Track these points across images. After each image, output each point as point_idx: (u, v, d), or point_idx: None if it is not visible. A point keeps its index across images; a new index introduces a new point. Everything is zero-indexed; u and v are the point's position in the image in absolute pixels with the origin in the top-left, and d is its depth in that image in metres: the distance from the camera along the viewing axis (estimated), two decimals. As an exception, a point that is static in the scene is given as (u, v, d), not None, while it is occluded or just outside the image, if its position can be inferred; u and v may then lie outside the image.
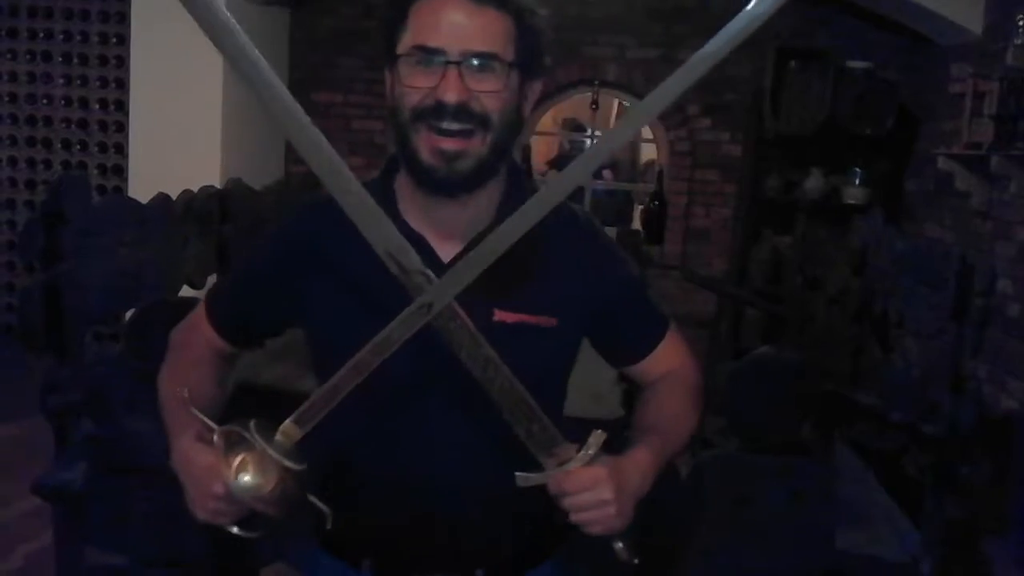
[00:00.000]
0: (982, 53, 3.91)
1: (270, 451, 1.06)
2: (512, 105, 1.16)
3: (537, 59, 1.19)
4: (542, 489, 1.12)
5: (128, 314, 2.90)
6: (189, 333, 1.36)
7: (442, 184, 1.15)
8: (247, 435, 1.08)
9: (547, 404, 1.14)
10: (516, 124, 1.18)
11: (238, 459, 1.07)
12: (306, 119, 1.09)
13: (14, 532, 3.17)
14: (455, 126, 1.11)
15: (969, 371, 2.31)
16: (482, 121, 1.12)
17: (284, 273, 1.25)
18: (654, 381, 1.34)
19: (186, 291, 3.48)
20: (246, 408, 1.98)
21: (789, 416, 2.28)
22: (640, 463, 1.17)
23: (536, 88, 1.22)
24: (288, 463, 1.07)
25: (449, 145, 1.12)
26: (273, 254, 1.30)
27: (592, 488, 1.09)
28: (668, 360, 1.35)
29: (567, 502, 1.10)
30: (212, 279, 3.77)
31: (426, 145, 1.13)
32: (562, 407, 1.33)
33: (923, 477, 2.33)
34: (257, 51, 1.09)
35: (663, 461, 1.22)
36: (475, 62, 1.11)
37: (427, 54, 1.11)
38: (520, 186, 1.24)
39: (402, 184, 1.23)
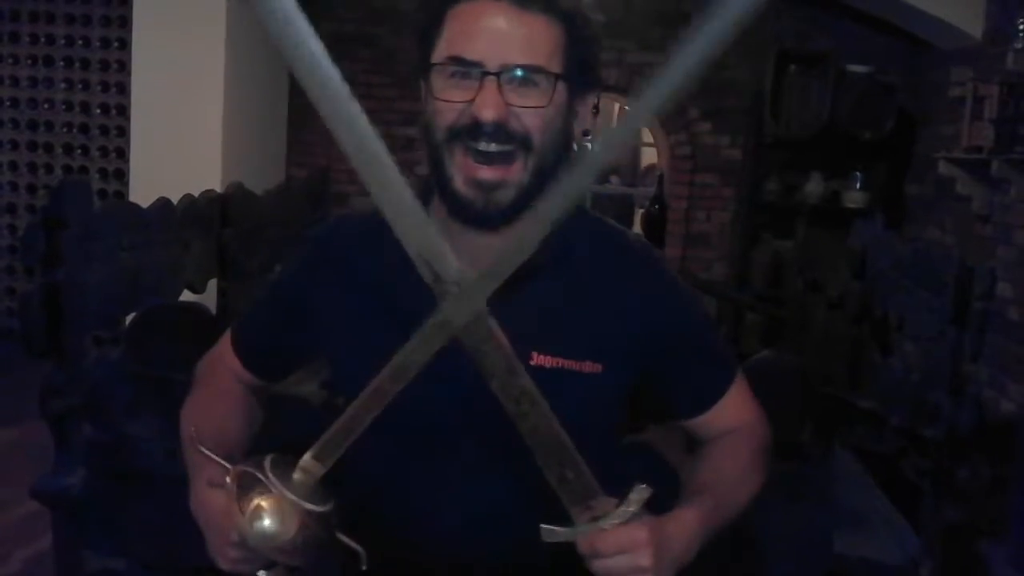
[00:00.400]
0: (982, 57, 3.91)
1: (288, 494, 0.94)
2: (557, 124, 1.04)
3: (589, 71, 1.08)
4: (568, 550, 0.98)
5: (128, 318, 2.91)
6: (214, 364, 1.27)
7: (479, 217, 1.03)
8: (261, 476, 0.94)
9: (592, 460, 0.98)
10: (563, 145, 1.05)
11: (253, 504, 0.94)
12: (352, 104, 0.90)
13: (12, 536, 3.17)
14: (493, 147, 0.99)
15: (969, 375, 2.30)
16: (523, 142, 1.01)
17: (303, 292, 1.17)
18: (716, 437, 1.18)
19: (187, 295, 3.48)
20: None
21: (788, 420, 2.28)
22: (687, 527, 1.02)
23: (588, 103, 1.11)
24: (309, 506, 0.94)
25: (487, 175, 1.00)
26: (294, 275, 1.21)
27: (629, 551, 0.94)
28: (733, 416, 1.19)
29: (598, 565, 0.95)
30: (213, 283, 3.77)
31: (462, 173, 1.01)
32: (613, 465, 1.11)
33: (922, 481, 2.32)
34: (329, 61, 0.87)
35: (714, 528, 1.07)
36: (517, 75, 0.99)
37: (463, 66, 0.99)
38: (579, 224, 1.10)
39: (436, 208, 1.09)
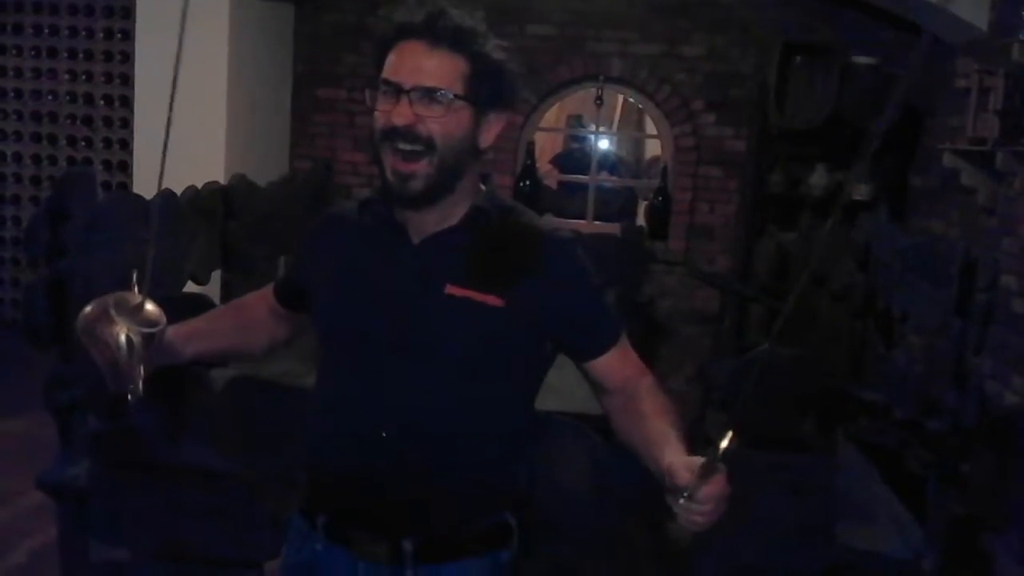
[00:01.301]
0: (988, 48, 3.89)
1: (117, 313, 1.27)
2: (460, 132, 1.36)
3: (493, 95, 1.39)
4: (480, 472, 1.39)
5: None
6: (256, 292, 1.70)
7: (399, 199, 1.38)
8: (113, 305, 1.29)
9: (500, 385, 1.40)
10: (467, 150, 1.38)
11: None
12: None
13: (19, 527, 3.19)
14: (407, 146, 1.33)
15: (972, 367, 2.30)
16: (428, 143, 1.33)
17: (304, 257, 1.59)
18: (617, 387, 1.47)
19: (190, 287, 3.49)
20: (248, 402, 2.02)
21: (791, 412, 2.28)
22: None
23: (497, 120, 1.41)
24: (138, 328, 1.28)
25: (402, 167, 1.34)
26: (299, 246, 1.62)
27: (725, 493, 1.24)
28: (623, 365, 1.48)
29: (698, 515, 1.22)
30: (216, 275, 3.78)
31: (389, 165, 1.36)
32: (526, 397, 1.48)
33: (926, 473, 2.32)
34: None
35: None
36: (423, 93, 1.32)
37: (389, 86, 1.34)
38: (492, 202, 1.44)
39: None
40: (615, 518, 2.01)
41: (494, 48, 1.39)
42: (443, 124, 1.34)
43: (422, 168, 1.35)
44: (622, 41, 5.21)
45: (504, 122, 1.43)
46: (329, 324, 1.48)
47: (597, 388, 1.51)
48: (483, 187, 1.47)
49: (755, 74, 5.03)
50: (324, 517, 1.43)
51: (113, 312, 1.28)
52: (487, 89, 1.38)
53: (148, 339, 1.29)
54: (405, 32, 1.35)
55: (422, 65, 1.34)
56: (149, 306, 1.33)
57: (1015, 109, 3.34)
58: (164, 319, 1.33)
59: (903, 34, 4.80)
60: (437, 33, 1.34)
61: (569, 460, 2.00)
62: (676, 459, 1.26)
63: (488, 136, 1.41)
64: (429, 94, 1.33)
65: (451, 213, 1.41)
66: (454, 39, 1.35)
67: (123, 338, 1.27)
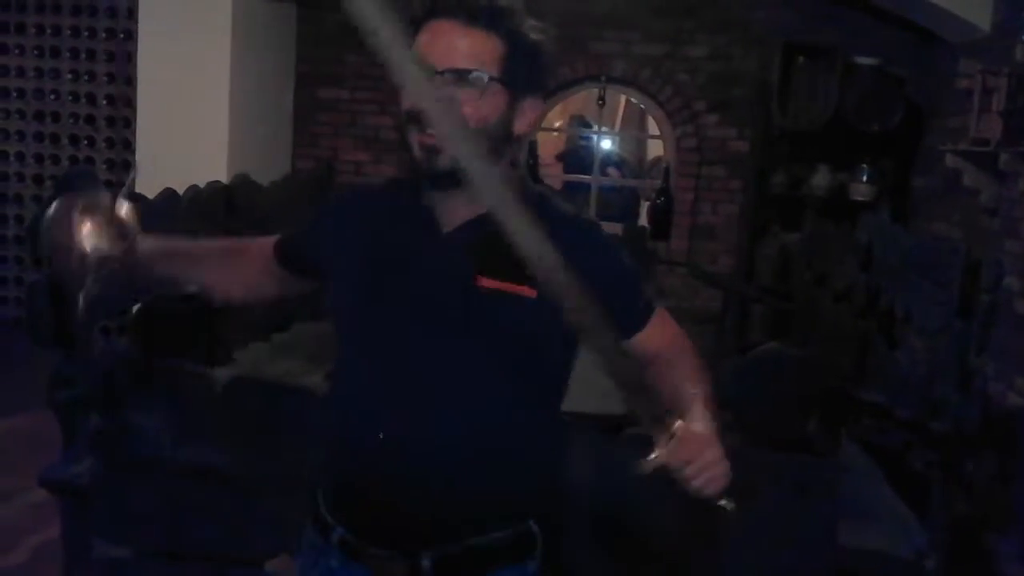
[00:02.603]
0: (991, 49, 3.89)
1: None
2: (493, 116, 1.29)
3: (529, 79, 1.32)
4: (505, 479, 1.29)
5: (135, 309, 2.92)
6: (258, 241, 1.59)
7: (428, 174, 1.29)
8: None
9: (528, 383, 1.32)
10: (502, 135, 1.31)
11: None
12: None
13: (22, 525, 3.18)
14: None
15: (975, 368, 2.30)
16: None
17: (322, 227, 1.48)
18: (656, 356, 1.39)
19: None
20: (249, 401, 2.01)
21: (794, 412, 2.28)
22: (708, 413, 1.25)
23: (532, 104, 1.34)
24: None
25: (429, 140, 1.25)
26: (320, 214, 1.52)
27: (706, 447, 1.19)
28: (659, 337, 1.41)
29: (689, 471, 1.18)
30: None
31: (415, 141, 1.27)
32: (554, 397, 1.41)
33: (929, 473, 2.32)
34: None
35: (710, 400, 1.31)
36: (456, 75, 1.25)
37: None
38: (523, 188, 1.35)
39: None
40: (617, 517, 2.01)
41: (531, 28, 1.32)
42: (477, 108, 1.26)
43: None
44: (624, 41, 5.21)
45: (541, 108, 1.36)
46: (348, 312, 1.39)
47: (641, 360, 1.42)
48: (516, 171, 1.39)
49: (757, 74, 5.03)
50: (340, 531, 1.34)
51: (77, 215, 1.25)
52: (523, 72, 1.30)
53: (113, 246, 1.27)
54: (438, 10, 1.27)
55: (455, 45, 1.26)
56: (123, 211, 1.30)
57: (1018, 110, 3.34)
58: (135, 229, 1.31)
59: (905, 34, 4.80)
60: (472, 11, 1.26)
61: (572, 460, 2.00)
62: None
63: (524, 122, 1.34)
64: (463, 76, 1.25)
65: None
66: (490, 18, 1.27)
67: (84, 243, 1.25)
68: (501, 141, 1.31)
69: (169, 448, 2.16)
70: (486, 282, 1.29)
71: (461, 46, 1.26)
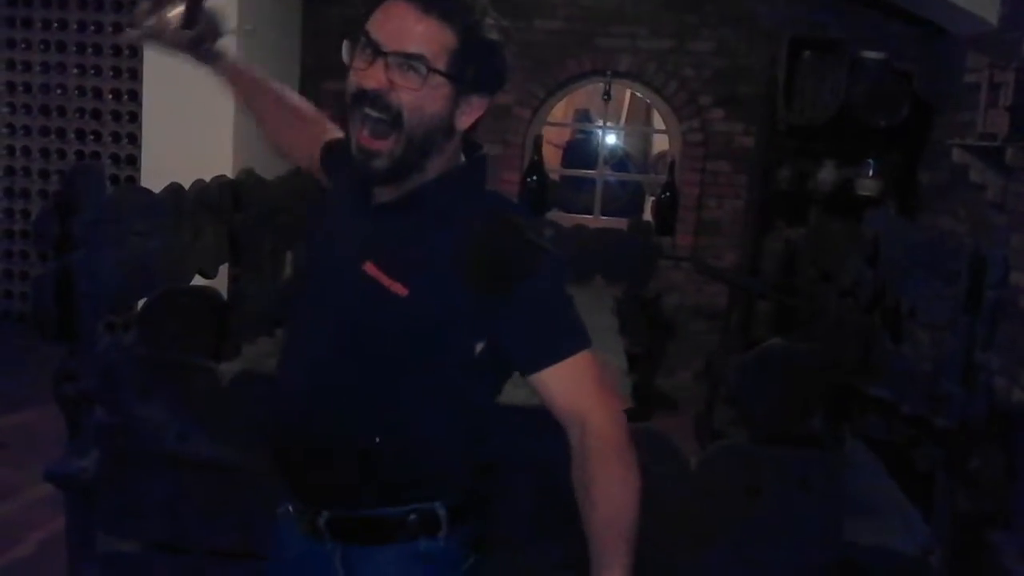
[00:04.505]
0: (998, 43, 3.88)
1: None
2: (432, 109, 1.26)
3: (480, 76, 1.29)
4: (396, 459, 1.31)
5: (141, 303, 2.92)
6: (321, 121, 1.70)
7: (363, 175, 1.32)
8: None
9: (415, 374, 1.30)
10: (439, 128, 1.28)
11: None
12: None
13: (27, 519, 3.20)
14: (374, 113, 1.25)
15: (981, 363, 2.29)
16: (396, 116, 1.25)
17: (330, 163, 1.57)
18: (565, 418, 1.29)
19: (198, 280, 3.49)
20: (255, 395, 2.02)
21: (799, 407, 2.27)
22: None
23: (478, 102, 1.31)
24: None
25: (367, 144, 1.27)
26: (336, 148, 1.57)
27: None
28: (575, 388, 1.28)
29: None
30: (224, 269, 3.78)
31: (355, 138, 1.29)
32: (456, 390, 1.34)
33: (934, 469, 2.31)
34: None
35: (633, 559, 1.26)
36: (402, 59, 1.24)
37: (368, 42, 1.26)
38: (459, 187, 1.34)
39: None
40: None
41: (489, 26, 1.29)
42: (416, 97, 1.25)
43: (387, 146, 1.26)
44: (630, 36, 5.20)
45: (487, 107, 1.32)
46: (298, 278, 1.50)
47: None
48: (462, 159, 1.37)
49: (763, 69, 5.02)
50: (282, 488, 1.44)
51: None
52: (473, 68, 1.28)
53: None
54: None
55: (407, 29, 1.24)
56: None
57: (1025, 104, 3.32)
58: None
59: (912, 28, 4.78)
60: None
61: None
62: None
63: (467, 119, 1.31)
64: (407, 61, 1.24)
65: (420, 183, 1.34)
66: (446, 8, 1.25)
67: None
68: (437, 134, 1.29)
69: (175, 442, 2.16)
70: (369, 268, 1.30)
71: (413, 31, 1.24)
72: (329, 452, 1.35)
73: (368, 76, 1.26)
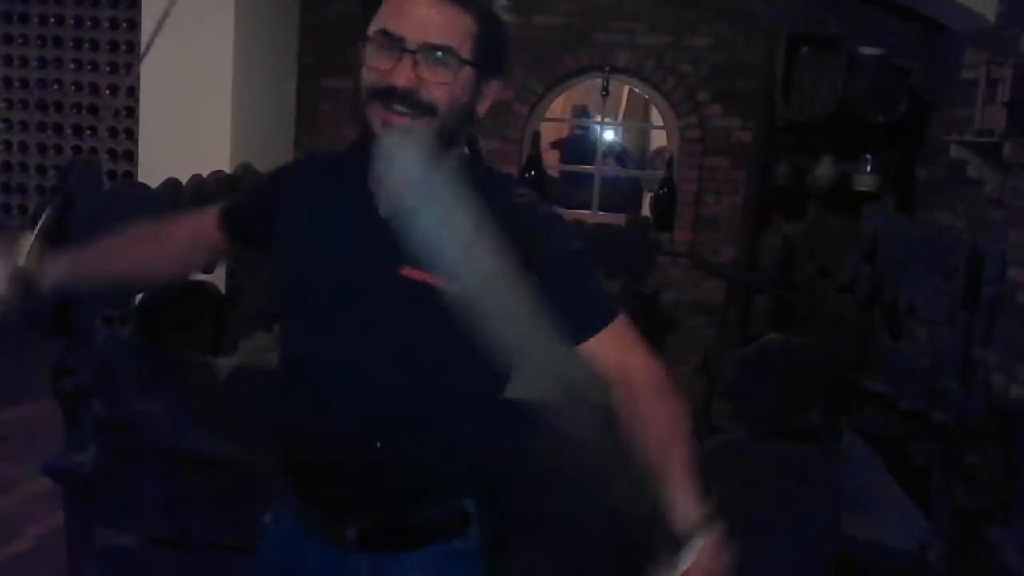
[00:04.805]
0: (996, 39, 3.87)
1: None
2: (461, 99, 1.24)
3: (496, 61, 1.27)
4: (429, 456, 1.28)
5: (138, 298, 2.92)
6: (190, 214, 1.56)
7: (391, 153, 1.20)
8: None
9: (451, 369, 1.27)
10: (465, 118, 1.26)
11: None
12: None
13: (25, 513, 3.20)
14: (403, 109, 1.20)
15: (978, 359, 2.30)
16: (428, 109, 1.21)
17: (274, 196, 1.41)
18: (615, 377, 1.31)
19: (195, 275, 3.49)
20: (252, 390, 2.01)
21: (797, 403, 2.28)
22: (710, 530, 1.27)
23: (494, 88, 1.29)
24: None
25: (397, 121, 1.20)
26: (271, 178, 1.48)
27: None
28: (618, 352, 1.32)
29: None
30: (221, 263, 3.77)
31: (379, 119, 1.21)
32: (488, 383, 1.34)
33: (931, 465, 2.32)
34: None
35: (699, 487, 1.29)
36: (430, 53, 1.19)
37: (389, 39, 1.20)
38: (474, 175, 1.27)
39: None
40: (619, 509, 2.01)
41: (500, 6, 1.27)
42: (448, 90, 1.21)
43: (418, 126, 1.21)
44: (628, 32, 5.20)
45: (501, 90, 1.30)
46: (287, 288, 1.37)
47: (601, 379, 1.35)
48: (466, 151, 1.34)
49: (761, 65, 5.01)
50: (292, 503, 1.37)
51: None
52: (491, 53, 1.25)
53: None
54: None
55: (429, 20, 1.19)
56: (23, 253, 1.41)
57: (1023, 100, 3.32)
58: (30, 271, 1.41)
59: (910, 25, 4.78)
60: None
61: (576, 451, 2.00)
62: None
63: (486, 104, 1.29)
64: (436, 54, 1.19)
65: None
66: None
67: None
68: (464, 123, 1.27)
69: (173, 437, 2.16)
70: (409, 272, 1.24)
71: (435, 22, 1.19)
72: (386, 465, 1.30)
73: (397, 74, 1.19)
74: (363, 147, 1.25)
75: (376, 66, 1.21)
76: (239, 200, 1.53)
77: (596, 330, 1.30)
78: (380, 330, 1.28)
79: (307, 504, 1.36)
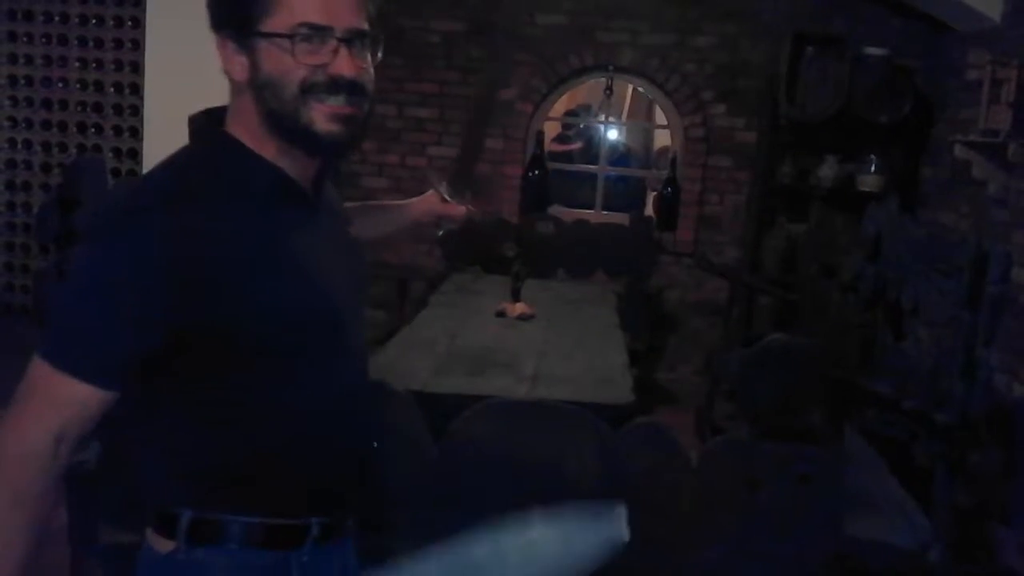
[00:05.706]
0: (1001, 39, 3.87)
1: None
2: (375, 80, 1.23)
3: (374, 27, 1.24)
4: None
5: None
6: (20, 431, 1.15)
7: (335, 147, 1.20)
8: None
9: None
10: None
11: None
12: None
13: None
14: (352, 99, 1.16)
15: (981, 359, 2.30)
16: (366, 95, 1.19)
17: (186, 262, 1.10)
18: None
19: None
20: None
21: (799, 403, 2.28)
22: None
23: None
24: None
25: (342, 110, 1.16)
26: (156, 263, 1.10)
27: None
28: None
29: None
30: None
31: (322, 114, 1.15)
32: None
33: (933, 465, 2.32)
34: None
35: None
36: (358, 39, 1.17)
37: (315, 30, 1.13)
38: None
39: (244, 135, 1.20)
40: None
41: None
42: (371, 73, 1.20)
43: (360, 112, 1.19)
44: (632, 31, 5.19)
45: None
46: (300, 323, 1.19)
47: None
48: None
49: (766, 65, 5.01)
50: (316, 521, 1.25)
51: None
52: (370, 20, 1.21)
53: None
54: None
55: (345, 5, 1.15)
56: None
57: (1028, 101, 3.32)
58: None
59: (915, 25, 4.77)
60: None
61: (577, 448, 2.00)
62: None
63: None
64: (364, 40, 1.18)
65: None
66: None
67: None
68: None
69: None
70: (358, 252, 1.36)
71: (350, 4, 1.16)
72: (364, 453, 1.36)
73: (339, 66, 1.14)
74: (294, 139, 1.18)
75: (307, 60, 1.13)
76: (119, 341, 1.19)
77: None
78: (361, 336, 1.35)
79: (343, 516, 1.31)
